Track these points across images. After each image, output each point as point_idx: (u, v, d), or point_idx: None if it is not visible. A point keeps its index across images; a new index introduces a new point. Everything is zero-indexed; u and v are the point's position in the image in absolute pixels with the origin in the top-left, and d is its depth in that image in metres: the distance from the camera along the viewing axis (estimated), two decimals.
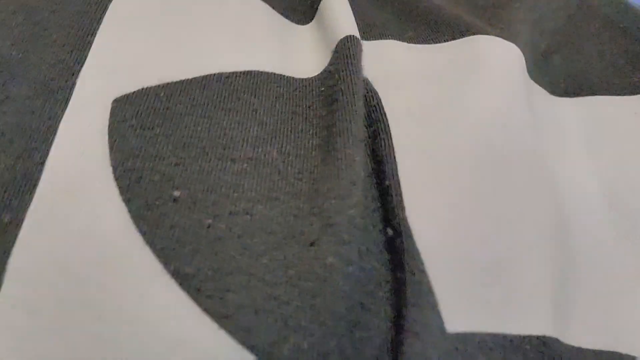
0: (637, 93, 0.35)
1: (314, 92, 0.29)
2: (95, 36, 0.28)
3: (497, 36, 0.34)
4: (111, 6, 0.29)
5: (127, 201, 0.22)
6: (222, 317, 0.20)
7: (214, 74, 0.28)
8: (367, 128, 0.27)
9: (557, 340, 0.24)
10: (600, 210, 0.30)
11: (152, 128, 0.25)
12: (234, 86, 0.28)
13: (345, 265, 0.21)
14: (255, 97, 0.28)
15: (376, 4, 0.39)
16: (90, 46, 0.27)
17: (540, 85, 0.35)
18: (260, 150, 0.25)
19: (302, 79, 0.30)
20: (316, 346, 0.20)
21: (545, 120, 0.33)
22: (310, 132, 0.27)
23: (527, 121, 0.30)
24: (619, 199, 0.30)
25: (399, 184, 0.25)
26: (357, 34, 0.30)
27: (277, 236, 0.23)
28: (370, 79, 0.30)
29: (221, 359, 0.19)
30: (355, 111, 0.26)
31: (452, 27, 0.35)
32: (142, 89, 0.26)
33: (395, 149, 0.26)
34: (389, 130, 0.27)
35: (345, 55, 0.29)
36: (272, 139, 0.26)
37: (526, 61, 0.35)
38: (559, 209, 0.29)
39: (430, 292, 0.22)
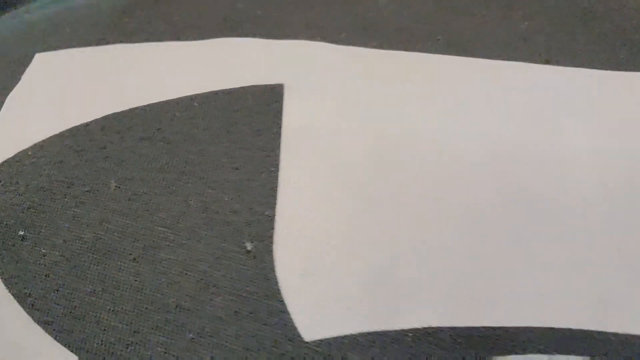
0: (621, 69, 0.34)
1: None
2: None
3: (430, 49, 0.35)
4: None
5: None
6: (47, 324, 0.24)
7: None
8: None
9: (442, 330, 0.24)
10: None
11: None
12: None
13: None
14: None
15: (325, 3, 0.40)
16: None
17: (515, 60, 0.35)
18: (99, 181, 0.29)
19: None
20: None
21: (515, 91, 0.33)
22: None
23: (437, 126, 0.31)
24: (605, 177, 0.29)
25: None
26: None
27: (100, 253, 0.26)
28: (283, 81, 0.33)
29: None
30: None
31: (387, 39, 0.36)
32: None
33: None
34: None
35: None
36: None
37: (494, 45, 0.35)
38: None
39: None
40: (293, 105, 0.32)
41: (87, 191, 0.28)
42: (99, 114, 0.32)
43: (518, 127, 0.31)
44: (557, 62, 0.35)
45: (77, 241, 0.26)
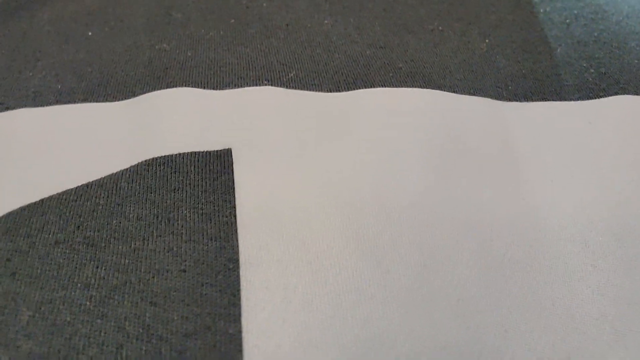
0: (591, 97, 0.29)
1: None
2: None
3: (392, 80, 0.30)
4: None
5: None
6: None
7: None
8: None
9: None
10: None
11: None
12: None
13: None
14: None
15: (266, 33, 0.34)
16: None
17: (480, 94, 0.29)
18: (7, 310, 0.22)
19: None
20: None
21: (484, 134, 0.27)
22: None
23: (417, 191, 0.25)
24: (576, 221, 0.25)
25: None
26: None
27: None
28: (229, 143, 0.27)
29: None
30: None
31: (340, 74, 0.31)
32: None
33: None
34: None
35: None
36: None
37: (457, 72, 0.30)
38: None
39: None
40: (246, 175, 0.26)
41: None
42: (1, 209, 0.25)
43: (490, 188, 0.26)
44: (523, 96, 0.30)
45: None
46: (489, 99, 0.29)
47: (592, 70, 0.31)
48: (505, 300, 0.23)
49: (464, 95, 0.30)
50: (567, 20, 0.34)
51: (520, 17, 0.35)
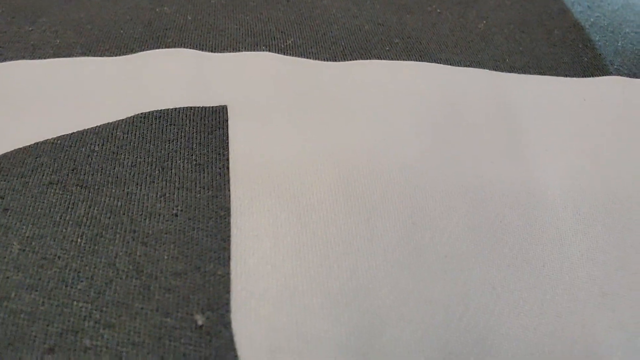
0: (586, 75, 0.30)
1: None
2: None
3: (388, 54, 0.31)
4: None
5: None
6: None
7: None
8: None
9: None
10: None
11: None
12: None
13: None
14: None
15: (266, 4, 0.34)
16: None
17: (478, 66, 0.30)
18: None
19: None
20: None
21: (482, 105, 0.28)
22: None
23: (409, 155, 0.26)
24: (569, 196, 0.26)
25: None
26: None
27: (2, 345, 0.20)
28: (225, 102, 0.27)
29: None
30: None
31: (337, 45, 0.31)
32: None
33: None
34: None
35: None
36: None
37: (454, 48, 0.31)
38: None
39: None
40: (240, 131, 0.26)
41: None
42: None
43: (486, 154, 0.27)
44: (521, 69, 0.31)
45: None
46: (487, 70, 0.30)
47: (588, 52, 0.32)
48: (494, 260, 0.23)
49: (460, 67, 0.30)
50: (565, 7, 0.35)
51: (518, 3, 0.35)
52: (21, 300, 0.20)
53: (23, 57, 0.30)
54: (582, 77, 0.31)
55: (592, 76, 0.31)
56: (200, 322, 0.20)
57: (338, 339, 0.20)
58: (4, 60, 0.30)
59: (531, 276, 0.23)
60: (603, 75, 0.31)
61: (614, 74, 0.31)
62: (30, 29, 0.32)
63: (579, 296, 0.23)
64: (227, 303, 0.21)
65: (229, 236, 0.22)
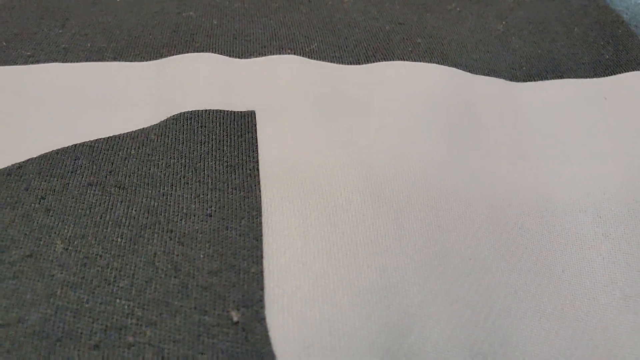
0: (607, 74, 0.30)
1: None
2: None
3: (411, 55, 0.31)
4: None
5: None
6: None
7: None
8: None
9: None
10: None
11: None
12: None
13: None
14: None
15: (288, 7, 0.35)
16: None
17: (494, 75, 0.30)
18: (42, 242, 0.23)
19: None
20: None
21: (499, 114, 0.28)
22: None
23: (432, 159, 0.27)
24: (588, 200, 0.26)
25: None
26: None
27: (49, 341, 0.20)
28: (253, 106, 0.28)
29: None
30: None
31: (360, 47, 0.32)
32: None
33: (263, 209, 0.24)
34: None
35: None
36: None
37: (473, 52, 0.32)
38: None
39: None
40: (268, 135, 0.27)
41: (27, 256, 0.22)
42: (33, 152, 0.26)
43: (503, 161, 0.28)
44: (538, 76, 0.31)
45: (19, 325, 0.21)
46: (503, 80, 0.31)
47: (610, 48, 0.32)
48: (516, 264, 0.24)
49: (479, 76, 0.31)
50: (585, 2, 0.35)
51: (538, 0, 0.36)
52: (67, 297, 0.21)
53: (55, 60, 0.31)
54: (603, 76, 0.31)
55: (614, 74, 0.31)
56: (235, 319, 0.21)
57: (368, 336, 0.21)
58: (37, 62, 0.31)
59: (551, 281, 0.24)
60: (626, 72, 0.31)
61: (638, 70, 0.31)
62: (60, 31, 0.33)
63: (600, 300, 0.23)
64: (261, 300, 0.22)
65: (261, 235, 0.23)
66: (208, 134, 0.27)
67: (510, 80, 0.31)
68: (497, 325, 0.22)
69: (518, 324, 0.22)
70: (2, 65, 0.30)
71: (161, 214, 0.24)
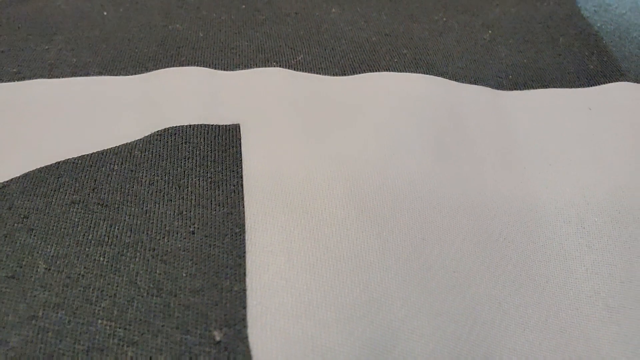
0: (592, 84, 0.30)
1: None
2: None
3: (397, 65, 0.31)
4: None
5: None
6: None
7: None
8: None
9: None
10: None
11: None
12: None
13: None
14: None
15: (275, 20, 0.35)
16: None
17: (481, 83, 0.30)
18: (24, 262, 0.23)
19: None
20: None
21: (485, 123, 0.28)
22: None
23: (418, 170, 0.27)
24: (571, 210, 0.26)
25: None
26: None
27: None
28: (238, 119, 0.28)
29: None
30: None
31: (346, 58, 0.32)
32: None
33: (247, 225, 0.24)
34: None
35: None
36: None
37: (459, 61, 0.32)
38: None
39: None
40: (253, 148, 0.27)
41: (9, 277, 0.22)
42: (16, 171, 0.26)
43: (488, 171, 0.27)
44: (524, 85, 0.31)
45: (0, 348, 0.21)
46: (489, 89, 0.31)
47: (594, 59, 0.32)
48: (500, 276, 0.24)
49: (465, 84, 0.31)
50: (571, 12, 0.35)
51: (524, 10, 0.36)
52: (48, 318, 0.21)
53: (41, 76, 0.31)
54: (588, 85, 0.31)
55: (599, 84, 0.31)
56: (218, 338, 0.21)
57: (352, 353, 0.21)
58: (23, 79, 0.31)
59: (535, 292, 0.24)
60: (610, 82, 0.31)
61: (622, 80, 0.31)
62: (47, 47, 0.33)
63: (583, 311, 0.23)
64: (244, 319, 0.21)
65: (244, 252, 0.23)
66: (192, 150, 0.27)
67: (497, 88, 0.31)
68: (480, 337, 0.22)
69: (502, 336, 0.22)
70: None
71: (144, 232, 0.24)
